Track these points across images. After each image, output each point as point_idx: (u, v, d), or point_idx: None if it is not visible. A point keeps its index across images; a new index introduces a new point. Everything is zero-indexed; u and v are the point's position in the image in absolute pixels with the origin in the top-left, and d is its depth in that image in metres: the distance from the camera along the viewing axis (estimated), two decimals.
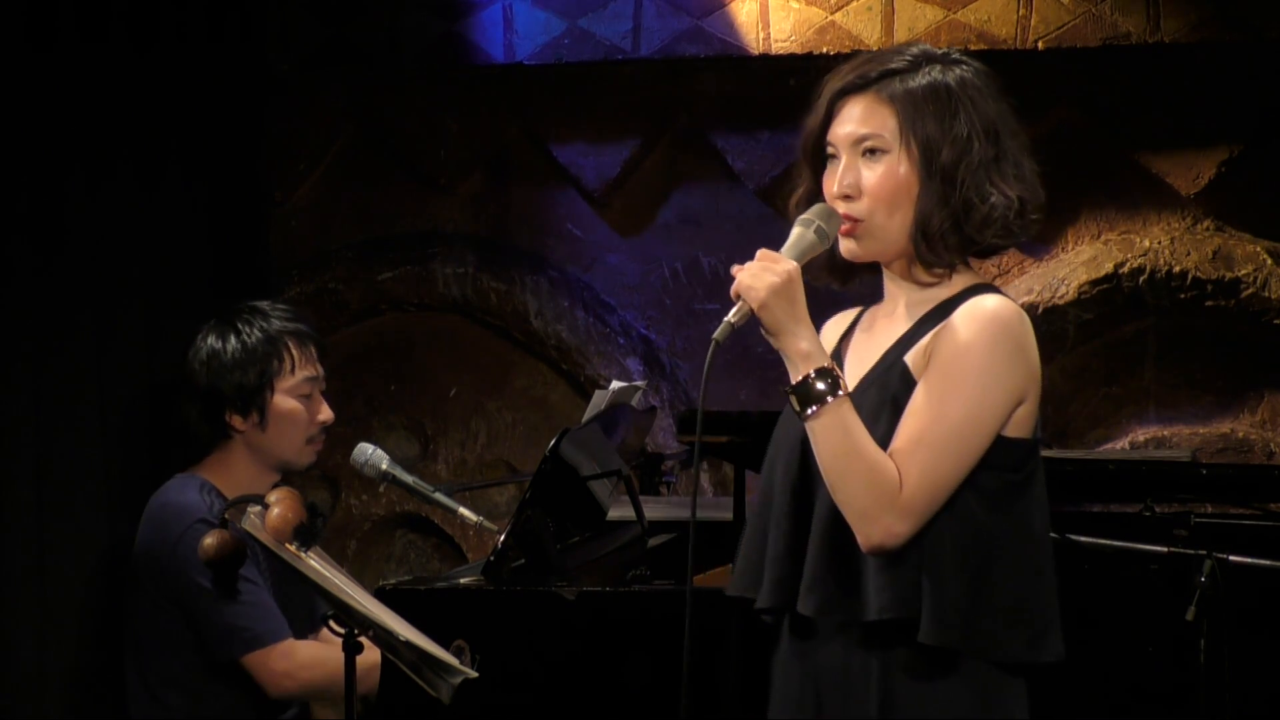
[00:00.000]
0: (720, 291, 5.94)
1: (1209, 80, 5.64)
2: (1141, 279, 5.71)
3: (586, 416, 4.57)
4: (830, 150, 3.23)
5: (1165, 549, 4.19)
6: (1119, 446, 5.78)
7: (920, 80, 3.20)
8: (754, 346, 5.95)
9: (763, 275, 3.07)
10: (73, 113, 4.91)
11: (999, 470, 3.11)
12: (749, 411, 5.69)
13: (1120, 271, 5.71)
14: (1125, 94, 5.69)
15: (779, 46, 5.70)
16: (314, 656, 4.63)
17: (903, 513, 3.05)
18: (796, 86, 5.74)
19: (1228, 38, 5.54)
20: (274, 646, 4.59)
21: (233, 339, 4.76)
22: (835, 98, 3.23)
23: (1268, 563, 4.16)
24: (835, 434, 3.06)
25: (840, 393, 3.06)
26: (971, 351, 3.10)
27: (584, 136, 5.95)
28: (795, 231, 3.17)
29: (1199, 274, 5.67)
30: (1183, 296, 5.70)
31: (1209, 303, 5.69)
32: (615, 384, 4.71)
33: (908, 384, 3.13)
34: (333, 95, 6.01)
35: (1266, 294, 5.63)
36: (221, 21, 5.43)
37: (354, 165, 6.08)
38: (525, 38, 5.82)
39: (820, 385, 3.07)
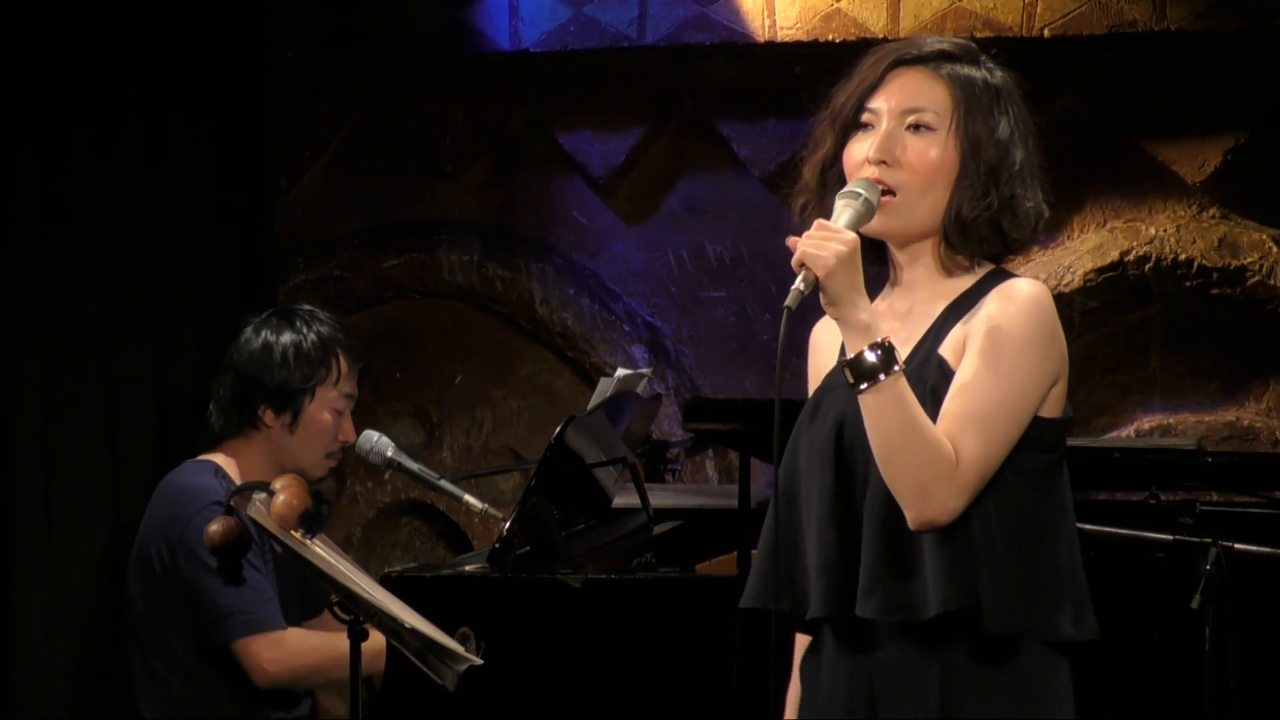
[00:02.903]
0: (725, 279, 5.95)
1: (1215, 68, 5.63)
2: (1147, 267, 5.70)
3: (592, 404, 4.57)
4: (867, 118, 3.18)
5: (1170, 537, 4.19)
6: (1124, 434, 5.78)
7: (975, 72, 3.19)
8: (759, 334, 5.95)
9: (827, 244, 3.03)
10: (77, 99, 4.90)
11: (1036, 450, 3.11)
12: (755, 399, 5.69)
13: (1126, 259, 5.71)
14: (1131, 82, 5.69)
15: (785, 34, 5.69)
16: (303, 645, 4.61)
17: (959, 488, 3.03)
18: (802, 74, 5.73)
19: (1234, 26, 5.53)
20: (269, 634, 4.58)
21: (288, 335, 4.74)
22: (890, 66, 3.18)
23: (1273, 551, 4.16)
24: (893, 408, 3.03)
25: (897, 367, 3.04)
26: (1014, 332, 3.10)
27: (589, 124, 5.95)
28: (842, 204, 3.11)
29: (1204, 262, 5.67)
30: (1188, 284, 5.69)
31: (1214, 291, 5.68)
32: (620, 371, 4.71)
33: (946, 376, 3.11)
34: (338, 83, 6.01)
35: (1272, 282, 5.63)
36: (227, 7, 5.42)
37: (359, 153, 6.08)
38: (531, 25, 5.81)
39: (879, 359, 3.03)
